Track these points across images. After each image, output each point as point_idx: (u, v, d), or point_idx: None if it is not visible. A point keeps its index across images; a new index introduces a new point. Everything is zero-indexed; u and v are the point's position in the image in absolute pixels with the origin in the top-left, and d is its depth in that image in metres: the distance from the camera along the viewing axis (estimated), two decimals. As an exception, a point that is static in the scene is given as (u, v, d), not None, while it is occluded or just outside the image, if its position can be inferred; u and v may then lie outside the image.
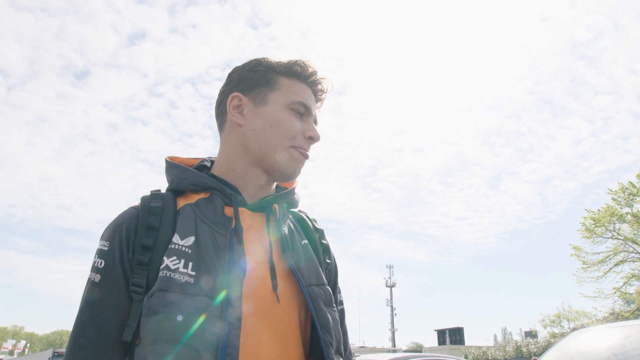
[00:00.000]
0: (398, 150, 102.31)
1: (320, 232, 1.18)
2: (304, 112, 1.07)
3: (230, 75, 1.12)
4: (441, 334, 43.03)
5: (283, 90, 1.06)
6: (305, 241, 1.09)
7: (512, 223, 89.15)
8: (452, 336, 41.05)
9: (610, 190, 19.55)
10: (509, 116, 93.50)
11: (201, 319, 0.83)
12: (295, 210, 1.16)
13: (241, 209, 1.01)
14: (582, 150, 76.93)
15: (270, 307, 0.93)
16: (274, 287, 0.94)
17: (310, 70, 1.08)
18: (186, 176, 1.03)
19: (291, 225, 1.09)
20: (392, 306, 47.83)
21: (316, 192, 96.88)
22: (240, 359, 0.84)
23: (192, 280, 0.87)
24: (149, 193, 1.03)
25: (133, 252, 0.93)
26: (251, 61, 1.11)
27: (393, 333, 46.21)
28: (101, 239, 0.97)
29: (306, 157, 1.07)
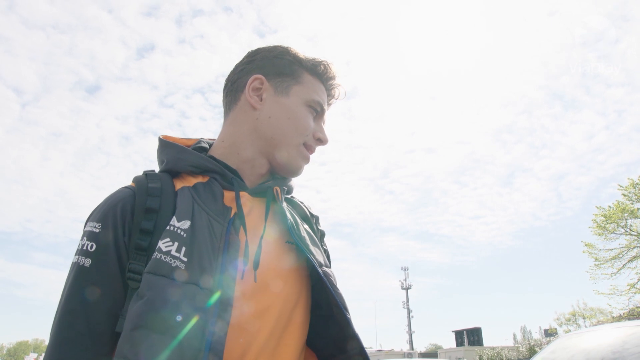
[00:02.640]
0: (410, 152, 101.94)
1: (317, 218, 1.17)
2: (318, 113, 1.07)
3: (252, 54, 1.08)
4: (459, 334, 42.68)
5: (305, 86, 1.05)
6: (306, 225, 1.08)
7: (528, 220, 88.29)
8: (470, 337, 40.67)
9: (621, 186, 19.27)
10: (520, 112, 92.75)
11: (187, 308, 0.77)
12: (289, 196, 1.14)
13: (241, 193, 0.96)
14: (596, 144, 75.94)
15: (265, 293, 0.89)
16: (255, 266, 0.88)
17: (331, 73, 1.09)
18: (184, 156, 0.98)
19: (290, 210, 1.08)
20: (408, 308, 47.63)
21: (329, 196, 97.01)
22: (226, 354, 0.79)
23: (182, 266, 0.80)
24: (141, 173, 0.97)
25: (130, 235, 0.86)
26: (277, 47, 1.08)
27: (410, 335, 45.98)
28: (90, 220, 0.89)
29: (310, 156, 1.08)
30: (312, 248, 0.99)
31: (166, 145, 1.02)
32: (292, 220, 1.00)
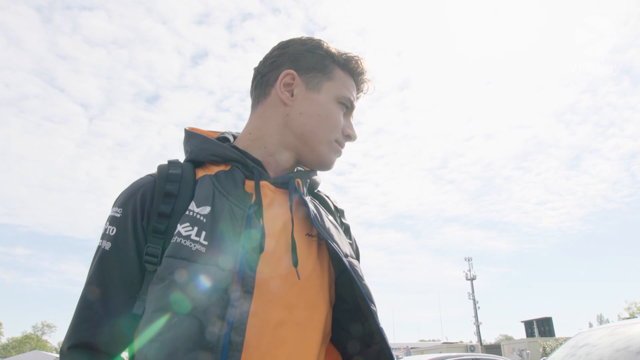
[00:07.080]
0: (468, 139, 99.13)
1: (341, 212, 1.17)
2: (348, 109, 1.07)
3: (283, 46, 1.07)
4: (528, 325, 41.13)
5: (337, 82, 1.04)
6: (331, 217, 1.07)
7: (599, 203, 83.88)
8: (540, 327, 39.03)
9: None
10: (584, 91, 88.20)
11: (209, 290, 0.78)
12: (314, 191, 1.14)
13: (263, 183, 0.97)
14: (671, 118, 70.69)
15: (289, 284, 0.89)
16: (294, 263, 0.89)
17: (362, 68, 1.08)
18: (207, 146, 1.00)
19: (315, 202, 1.06)
20: (474, 299, 46.38)
21: (389, 189, 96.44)
22: (247, 336, 0.79)
23: (203, 249, 0.82)
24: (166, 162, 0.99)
25: (148, 219, 0.89)
26: (309, 40, 1.07)
27: (478, 327, 44.86)
28: (114, 205, 0.93)
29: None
30: (336, 239, 0.98)
31: (191, 136, 1.05)
32: (315, 211, 1.00)
